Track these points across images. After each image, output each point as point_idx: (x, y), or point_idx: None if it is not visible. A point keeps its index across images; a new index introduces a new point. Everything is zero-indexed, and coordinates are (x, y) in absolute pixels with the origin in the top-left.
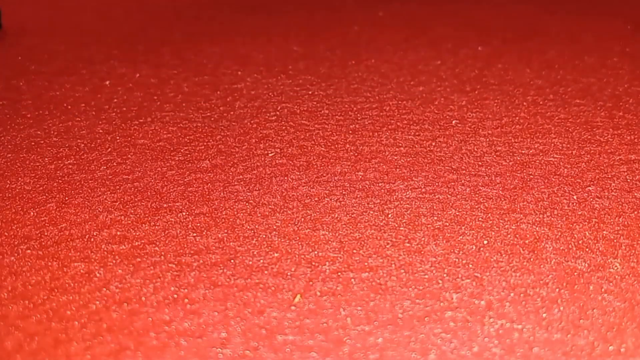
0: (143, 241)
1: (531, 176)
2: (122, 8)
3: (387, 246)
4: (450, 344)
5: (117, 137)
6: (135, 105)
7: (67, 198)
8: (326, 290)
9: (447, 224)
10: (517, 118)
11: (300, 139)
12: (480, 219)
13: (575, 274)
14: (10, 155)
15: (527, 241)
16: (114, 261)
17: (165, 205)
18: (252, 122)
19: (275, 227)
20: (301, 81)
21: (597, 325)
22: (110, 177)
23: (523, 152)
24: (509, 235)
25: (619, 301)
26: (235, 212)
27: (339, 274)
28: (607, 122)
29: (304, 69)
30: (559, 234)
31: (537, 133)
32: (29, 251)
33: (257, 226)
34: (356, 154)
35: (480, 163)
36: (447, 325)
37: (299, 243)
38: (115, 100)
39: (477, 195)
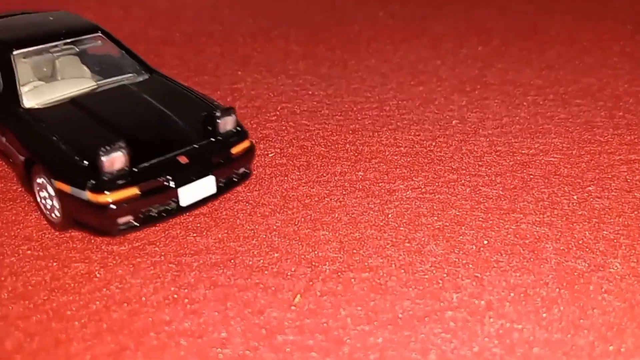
0: (143, 241)
1: (531, 176)
2: (122, 8)
3: (387, 246)
4: (450, 344)
5: None
6: None
7: None
8: (326, 290)
9: (447, 224)
10: (517, 118)
11: (300, 139)
12: (480, 219)
13: (575, 274)
14: None
15: (527, 241)
16: (114, 261)
17: None
18: (252, 122)
19: (275, 227)
20: (301, 81)
21: (597, 325)
22: None
23: (523, 152)
24: (509, 235)
25: (619, 301)
26: (235, 212)
27: (339, 274)
28: (607, 122)
29: (304, 69)
30: (559, 234)
31: (537, 133)
32: (29, 252)
33: (257, 226)
34: (356, 154)
35: (480, 163)
36: (447, 325)
37: (299, 243)
38: None
39: (477, 195)
